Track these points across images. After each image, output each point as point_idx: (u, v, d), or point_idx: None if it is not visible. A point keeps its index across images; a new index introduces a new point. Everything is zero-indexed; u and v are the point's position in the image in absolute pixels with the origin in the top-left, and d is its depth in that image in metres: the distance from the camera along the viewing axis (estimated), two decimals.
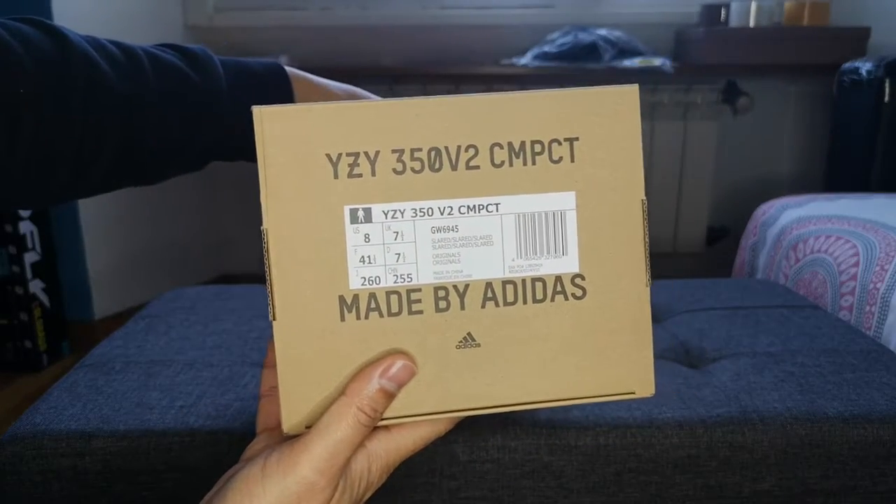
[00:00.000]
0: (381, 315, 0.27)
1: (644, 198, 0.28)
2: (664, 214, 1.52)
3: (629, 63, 1.36)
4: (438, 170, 0.26)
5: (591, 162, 0.27)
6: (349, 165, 0.26)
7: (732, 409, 0.47)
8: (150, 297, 0.70)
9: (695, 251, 1.55)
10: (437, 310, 0.27)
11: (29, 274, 1.21)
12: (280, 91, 0.42)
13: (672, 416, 0.46)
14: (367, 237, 0.27)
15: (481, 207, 0.27)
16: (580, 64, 1.37)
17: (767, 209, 1.00)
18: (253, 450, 0.29)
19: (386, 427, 0.28)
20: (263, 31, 1.55)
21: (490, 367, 0.27)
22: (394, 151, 0.26)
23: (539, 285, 0.27)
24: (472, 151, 0.27)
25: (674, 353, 0.57)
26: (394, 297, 0.27)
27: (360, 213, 0.26)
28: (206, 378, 0.50)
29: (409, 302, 0.27)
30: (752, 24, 1.39)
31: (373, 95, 0.44)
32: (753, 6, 1.38)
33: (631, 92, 0.27)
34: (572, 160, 0.27)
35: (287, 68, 0.43)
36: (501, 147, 0.27)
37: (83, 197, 0.38)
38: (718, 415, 0.46)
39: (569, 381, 0.28)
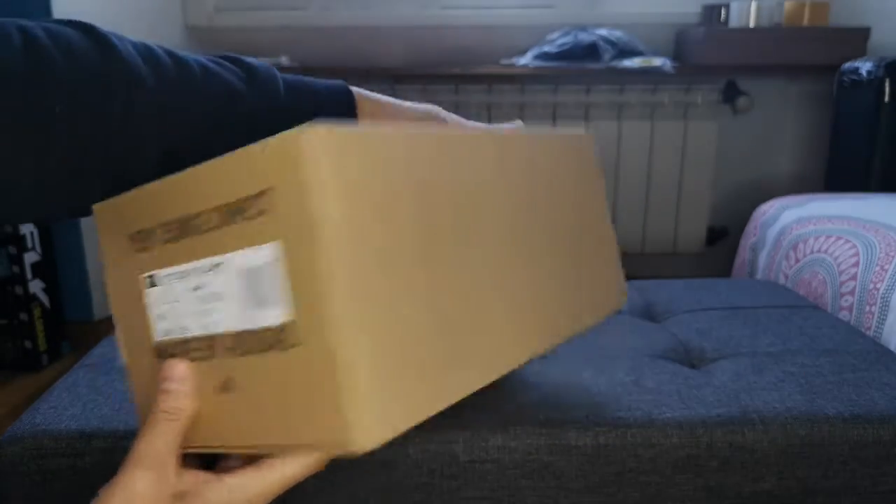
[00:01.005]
0: None
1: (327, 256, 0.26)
2: (664, 214, 1.52)
3: (629, 63, 1.36)
4: (186, 236, 0.31)
5: (287, 209, 0.26)
6: (140, 241, 0.32)
7: (732, 409, 0.47)
8: None
9: (695, 251, 1.55)
10: (206, 357, 0.31)
11: (29, 274, 1.21)
12: (342, 111, 0.41)
13: (672, 415, 0.46)
14: (157, 298, 0.32)
15: (215, 266, 0.30)
16: (580, 64, 1.37)
17: (767, 209, 1.00)
18: None
19: (252, 463, 0.31)
20: (264, 31, 1.55)
21: (246, 409, 0.30)
22: (161, 225, 0.31)
23: (260, 336, 0.28)
24: (202, 217, 0.30)
25: (674, 353, 0.57)
26: (181, 347, 0.32)
27: (149, 280, 0.32)
28: None
29: (189, 350, 0.31)
30: (752, 24, 1.39)
31: (450, 115, 0.44)
32: (753, 6, 1.38)
33: (308, 135, 0.26)
34: (271, 211, 0.27)
35: (355, 89, 0.42)
36: (219, 211, 0.29)
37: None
38: (718, 415, 0.46)
39: (291, 426, 0.28)
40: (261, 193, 0.27)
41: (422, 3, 1.55)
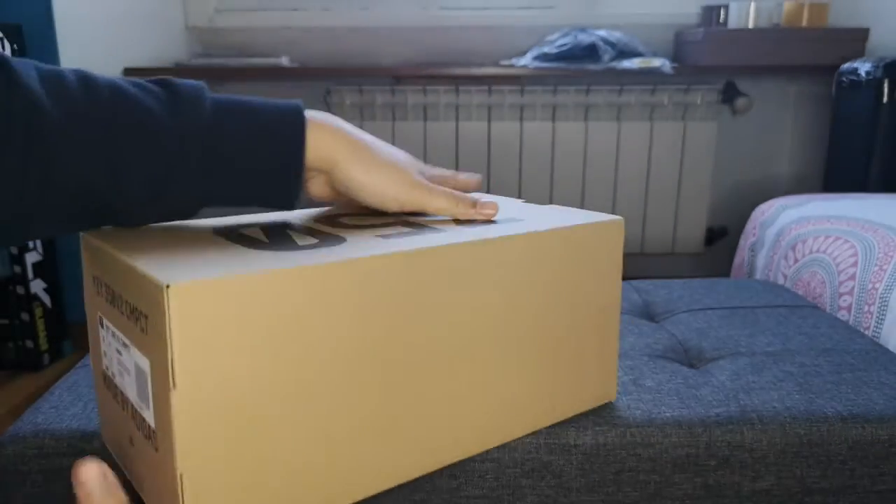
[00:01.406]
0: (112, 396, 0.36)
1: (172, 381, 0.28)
2: (663, 214, 1.52)
3: (628, 64, 1.36)
4: (114, 307, 0.33)
5: (154, 339, 0.29)
6: (97, 285, 0.36)
7: (731, 409, 0.47)
8: None
9: (694, 251, 1.55)
10: (122, 408, 0.34)
11: (30, 274, 1.21)
12: (285, 132, 0.37)
13: (671, 415, 0.46)
14: (103, 337, 0.36)
15: (125, 346, 0.32)
16: (580, 65, 1.37)
17: (766, 209, 1.00)
18: None
19: None
20: (264, 31, 1.56)
21: (140, 467, 0.33)
22: (105, 284, 0.34)
23: (146, 424, 0.31)
24: (123, 301, 0.32)
25: (673, 353, 0.58)
26: (112, 386, 0.36)
27: (100, 319, 0.36)
28: None
29: (116, 394, 0.35)
30: (751, 24, 1.39)
31: (400, 160, 0.41)
32: (752, 7, 1.39)
33: (173, 289, 0.27)
34: (149, 333, 0.29)
35: (313, 113, 0.38)
36: (128, 305, 0.31)
37: (43, 237, 0.36)
38: (717, 414, 0.46)
39: None
40: (145, 314, 0.29)
41: (422, 3, 1.55)
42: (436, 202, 0.41)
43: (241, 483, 0.30)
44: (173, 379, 0.27)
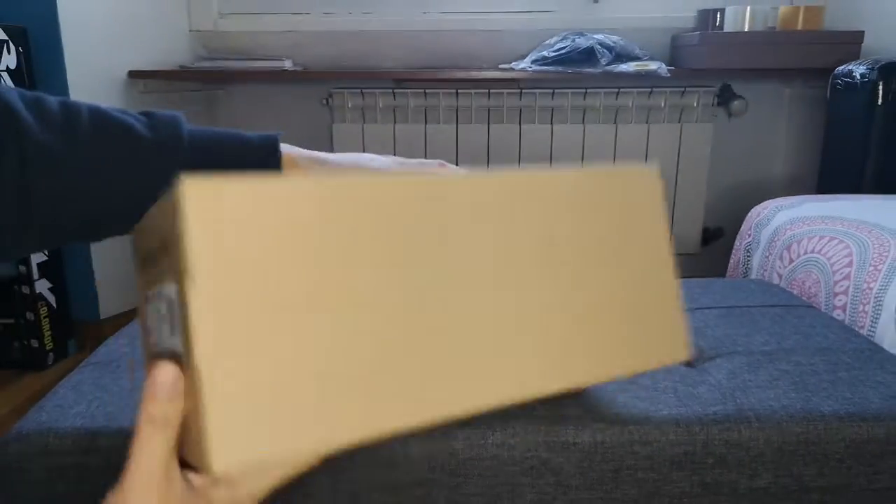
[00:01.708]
0: None
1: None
2: None
3: (626, 67, 1.37)
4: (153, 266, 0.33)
5: (174, 257, 0.29)
6: (141, 260, 0.34)
7: (728, 407, 0.47)
8: None
9: (690, 252, 1.56)
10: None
11: (35, 274, 1.21)
12: (261, 164, 0.39)
13: (669, 413, 0.47)
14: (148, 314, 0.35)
15: (159, 299, 0.32)
16: (578, 68, 1.38)
17: (762, 210, 1.01)
18: None
19: None
20: (267, 35, 1.56)
21: (187, 426, 0.32)
22: (147, 249, 0.33)
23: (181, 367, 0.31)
24: (157, 251, 0.32)
25: None
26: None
27: (144, 297, 0.35)
28: None
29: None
30: (746, 28, 1.40)
31: (376, 160, 0.42)
32: (748, 11, 1.40)
33: (185, 188, 0.28)
34: (170, 256, 0.30)
35: (288, 148, 0.40)
36: (160, 248, 0.31)
37: (30, 252, 0.37)
38: (714, 412, 0.47)
39: (196, 447, 0.31)
40: (170, 235, 0.29)
41: (422, 8, 1.56)
42: None
43: (260, 389, 0.29)
44: (190, 274, 0.27)
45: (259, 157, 0.40)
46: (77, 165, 0.35)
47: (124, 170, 0.36)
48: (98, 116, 0.36)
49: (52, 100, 0.36)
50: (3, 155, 0.33)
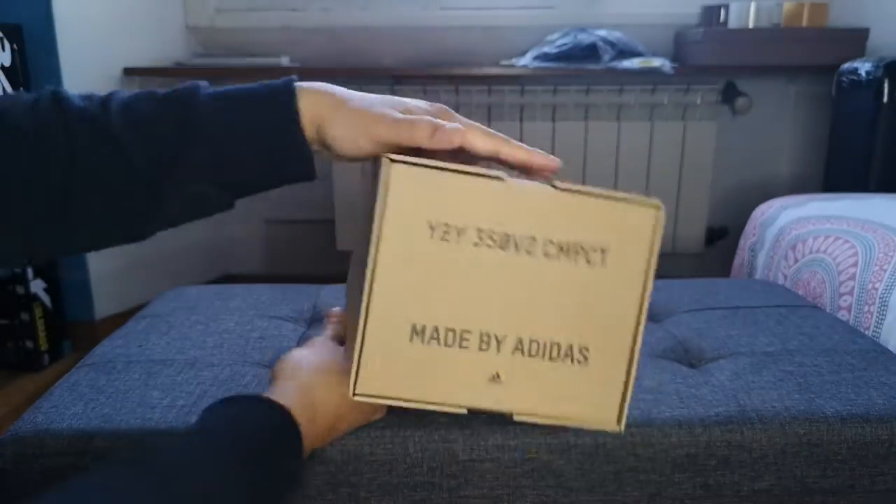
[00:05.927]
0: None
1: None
2: None
3: (629, 64, 1.36)
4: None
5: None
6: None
7: (731, 409, 0.47)
8: (151, 298, 0.70)
9: (694, 251, 1.55)
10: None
11: (30, 274, 1.21)
12: (271, 108, 0.40)
13: (671, 414, 0.46)
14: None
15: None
16: (580, 65, 1.37)
17: (766, 209, 1.00)
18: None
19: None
20: (264, 32, 1.56)
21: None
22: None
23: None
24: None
25: (673, 353, 0.58)
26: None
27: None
28: (207, 378, 0.50)
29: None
30: (751, 24, 1.39)
31: (410, 100, 0.41)
32: (753, 7, 1.39)
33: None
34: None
35: (301, 84, 0.40)
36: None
37: (74, 253, 0.42)
38: (717, 414, 0.46)
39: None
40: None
41: (422, 3, 1.55)
42: (414, 134, 0.39)
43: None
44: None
45: (280, 92, 0.40)
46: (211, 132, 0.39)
47: (153, 123, 0.39)
48: (123, 94, 0.41)
49: (82, 95, 0.40)
50: (131, 156, 0.38)
